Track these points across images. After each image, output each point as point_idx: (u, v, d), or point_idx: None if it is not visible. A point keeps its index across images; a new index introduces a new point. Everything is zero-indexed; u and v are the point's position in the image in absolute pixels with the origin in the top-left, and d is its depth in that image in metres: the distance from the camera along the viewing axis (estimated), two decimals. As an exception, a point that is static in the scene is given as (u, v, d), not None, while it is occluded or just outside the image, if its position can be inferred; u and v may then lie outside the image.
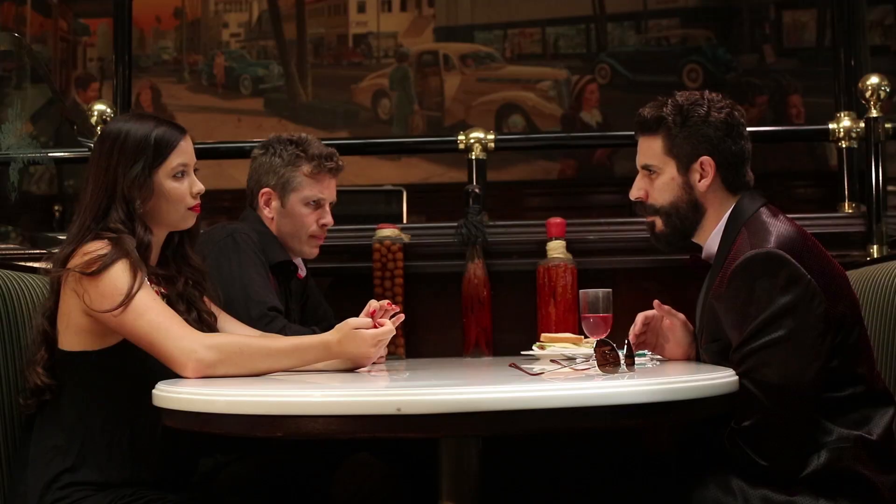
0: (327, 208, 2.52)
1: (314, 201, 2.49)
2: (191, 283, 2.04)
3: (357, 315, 2.00)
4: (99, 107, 3.10)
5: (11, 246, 3.34)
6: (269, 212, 2.50)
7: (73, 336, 1.90)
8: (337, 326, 1.94)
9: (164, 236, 2.04)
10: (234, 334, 2.06)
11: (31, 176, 4.93)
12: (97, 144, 2.02)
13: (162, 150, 1.97)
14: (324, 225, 2.51)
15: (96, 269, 1.84)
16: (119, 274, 1.85)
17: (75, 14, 5.95)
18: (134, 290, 1.83)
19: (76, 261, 1.87)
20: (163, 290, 2.01)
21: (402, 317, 2.07)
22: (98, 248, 1.87)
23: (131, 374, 1.90)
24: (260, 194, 2.50)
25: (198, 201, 2.02)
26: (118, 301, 1.82)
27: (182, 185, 1.99)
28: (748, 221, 1.97)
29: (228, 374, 1.83)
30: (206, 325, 2.02)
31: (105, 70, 5.83)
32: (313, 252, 2.53)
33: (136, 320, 1.83)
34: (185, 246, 2.07)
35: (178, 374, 1.82)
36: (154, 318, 1.83)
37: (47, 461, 1.89)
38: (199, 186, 2.02)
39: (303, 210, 2.48)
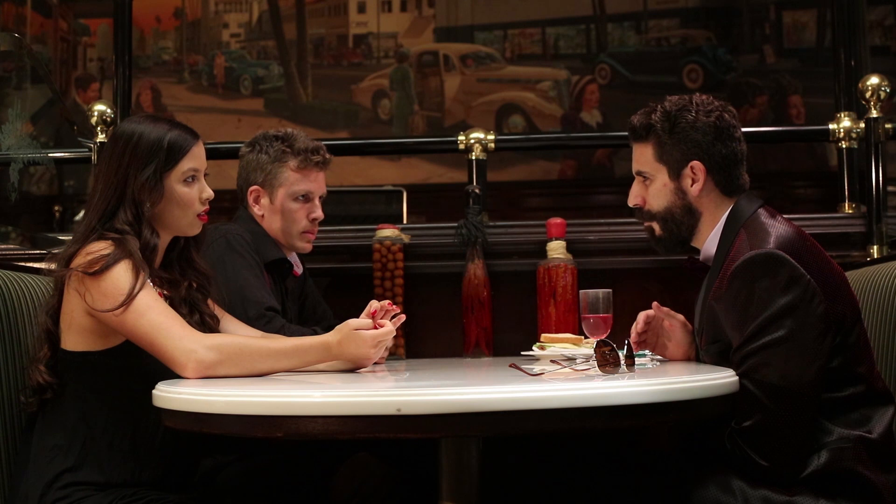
0: (317, 202, 2.51)
1: (303, 196, 2.48)
2: (195, 287, 2.04)
3: (357, 315, 2.00)
4: (99, 107, 3.10)
5: (11, 246, 3.34)
6: (258, 209, 2.49)
7: (75, 336, 1.91)
8: (337, 327, 1.94)
9: (169, 240, 2.04)
10: (235, 335, 2.06)
11: (31, 176, 4.94)
12: (109, 144, 2.02)
13: (174, 154, 1.96)
14: (314, 219, 2.50)
15: (98, 268, 1.84)
16: (121, 274, 1.85)
17: (75, 14, 5.95)
18: (136, 291, 1.83)
19: (79, 260, 1.87)
20: (166, 293, 2.01)
21: (403, 317, 2.07)
22: (101, 248, 1.88)
23: (134, 375, 1.90)
24: (249, 192, 2.50)
25: (206, 207, 2.02)
26: (119, 301, 1.82)
27: (192, 189, 1.99)
28: (747, 223, 1.97)
29: (229, 375, 1.83)
30: (208, 327, 2.02)
31: (105, 70, 5.84)
32: (306, 247, 2.52)
33: (137, 320, 1.83)
34: (190, 250, 2.07)
35: (179, 374, 1.82)
36: (155, 318, 1.83)
37: (48, 460, 1.89)
38: (209, 192, 2.02)
39: (292, 205, 2.47)
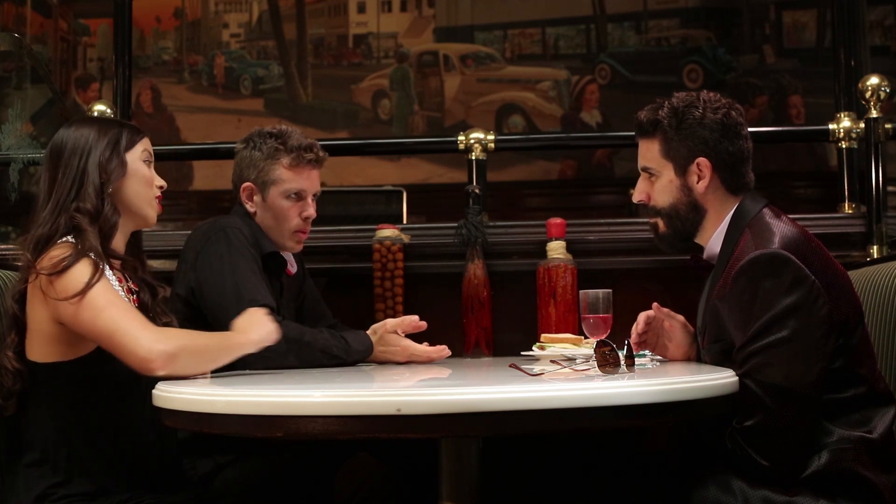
0: (309, 200, 2.49)
1: (295, 193, 2.46)
2: (158, 298, 2.07)
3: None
4: (99, 107, 3.09)
5: (11, 246, 3.34)
6: (251, 206, 2.48)
7: (44, 346, 1.90)
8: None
9: (130, 231, 2.06)
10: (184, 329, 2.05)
11: (31, 176, 4.93)
12: (64, 141, 2.02)
13: (132, 139, 2.05)
14: (306, 217, 2.48)
15: (61, 269, 1.86)
16: (81, 269, 1.86)
17: (75, 14, 5.95)
18: (94, 280, 1.84)
19: (44, 264, 1.88)
20: (132, 286, 2.03)
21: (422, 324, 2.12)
22: (63, 251, 1.89)
23: (107, 381, 1.90)
24: (242, 189, 2.48)
25: (160, 195, 2.09)
26: (78, 290, 1.83)
27: (150, 171, 2.06)
28: (751, 222, 1.97)
29: (187, 370, 1.83)
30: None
31: (105, 70, 5.84)
32: (296, 247, 2.50)
33: (95, 318, 1.83)
34: (144, 264, 2.11)
35: (141, 370, 1.80)
36: (114, 313, 1.83)
37: (38, 476, 1.88)
38: (162, 181, 2.10)
39: (284, 203, 2.46)
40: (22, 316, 1.92)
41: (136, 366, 1.80)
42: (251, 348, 1.96)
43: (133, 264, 2.06)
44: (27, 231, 1.98)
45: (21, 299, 1.93)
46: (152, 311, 2.02)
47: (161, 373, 1.79)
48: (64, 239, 1.93)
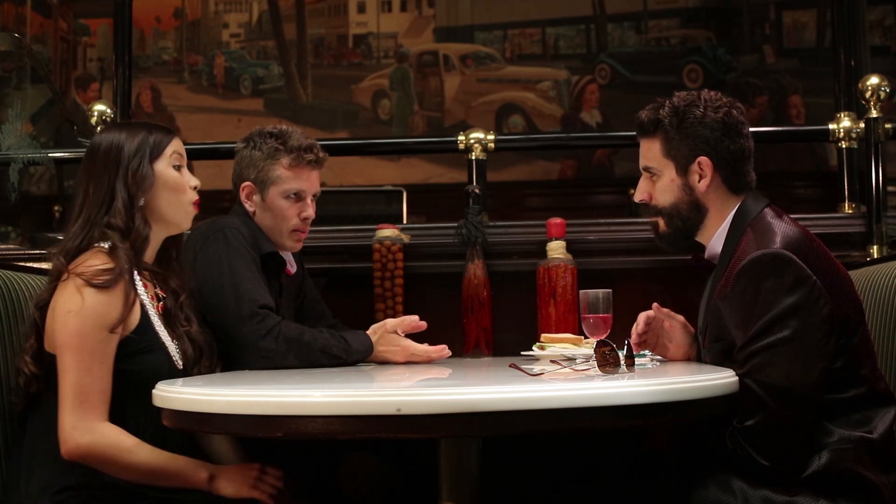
0: (308, 201, 2.49)
1: (294, 194, 2.46)
2: (186, 302, 2.08)
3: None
4: (99, 107, 3.09)
5: (11, 246, 3.34)
6: (250, 205, 2.48)
7: None
8: None
9: (162, 239, 2.06)
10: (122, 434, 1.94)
11: (31, 176, 4.94)
12: (93, 149, 2.05)
13: (159, 144, 2.05)
14: (305, 218, 2.47)
15: (100, 283, 1.87)
16: (112, 300, 1.87)
17: (75, 14, 5.96)
18: (110, 324, 1.85)
19: (80, 270, 1.88)
20: (160, 292, 2.03)
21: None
22: (100, 260, 1.90)
23: (120, 377, 1.90)
24: (241, 188, 2.49)
25: (196, 197, 2.08)
26: (82, 323, 1.84)
27: (181, 175, 2.06)
28: (753, 222, 1.97)
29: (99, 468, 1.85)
30: (197, 344, 2.05)
31: (105, 70, 5.84)
32: (295, 246, 2.50)
33: (65, 360, 1.84)
34: (172, 256, 2.11)
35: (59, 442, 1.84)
36: (82, 378, 1.84)
37: (42, 466, 1.88)
38: (196, 181, 2.09)
39: (283, 203, 2.46)
40: (42, 323, 1.93)
41: (58, 434, 1.84)
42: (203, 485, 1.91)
43: (163, 275, 2.07)
44: (60, 238, 2.00)
45: (45, 306, 1.93)
46: (175, 315, 2.03)
47: (68, 456, 1.83)
48: (97, 245, 1.95)
